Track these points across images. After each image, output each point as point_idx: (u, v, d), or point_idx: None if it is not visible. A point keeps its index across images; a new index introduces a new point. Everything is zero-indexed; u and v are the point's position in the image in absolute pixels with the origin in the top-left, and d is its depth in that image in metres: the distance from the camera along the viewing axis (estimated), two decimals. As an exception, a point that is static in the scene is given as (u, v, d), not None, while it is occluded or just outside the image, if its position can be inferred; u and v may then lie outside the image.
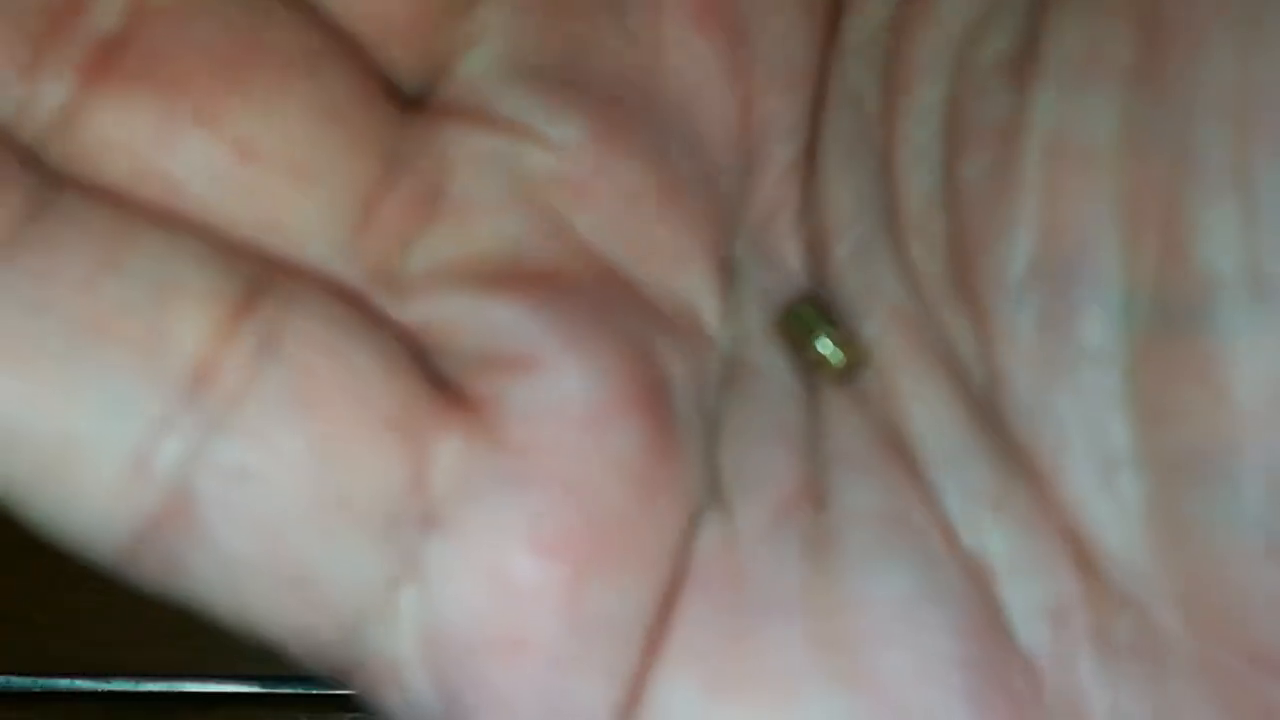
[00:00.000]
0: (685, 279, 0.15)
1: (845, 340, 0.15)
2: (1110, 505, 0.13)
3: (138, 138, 0.13)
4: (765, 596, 0.14)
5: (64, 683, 0.29)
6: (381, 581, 0.13)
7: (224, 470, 0.12)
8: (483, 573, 0.13)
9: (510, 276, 0.14)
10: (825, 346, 0.15)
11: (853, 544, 0.14)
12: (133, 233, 0.12)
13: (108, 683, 0.29)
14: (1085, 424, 0.13)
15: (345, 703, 0.30)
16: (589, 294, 0.14)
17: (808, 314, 0.15)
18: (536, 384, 0.13)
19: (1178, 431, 0.12)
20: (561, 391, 0.13)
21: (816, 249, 0.15)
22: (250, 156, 0.13)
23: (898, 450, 0.14)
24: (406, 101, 0.15)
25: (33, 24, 0.13)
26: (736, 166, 0.16)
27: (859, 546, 0.14)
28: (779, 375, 0.15)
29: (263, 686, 0.30)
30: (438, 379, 0.13)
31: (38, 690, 0.29)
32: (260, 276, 0.13)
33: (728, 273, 0.15)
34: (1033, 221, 0.13)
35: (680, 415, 0.14)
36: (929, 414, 0.14)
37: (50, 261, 0.12)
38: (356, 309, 0.13)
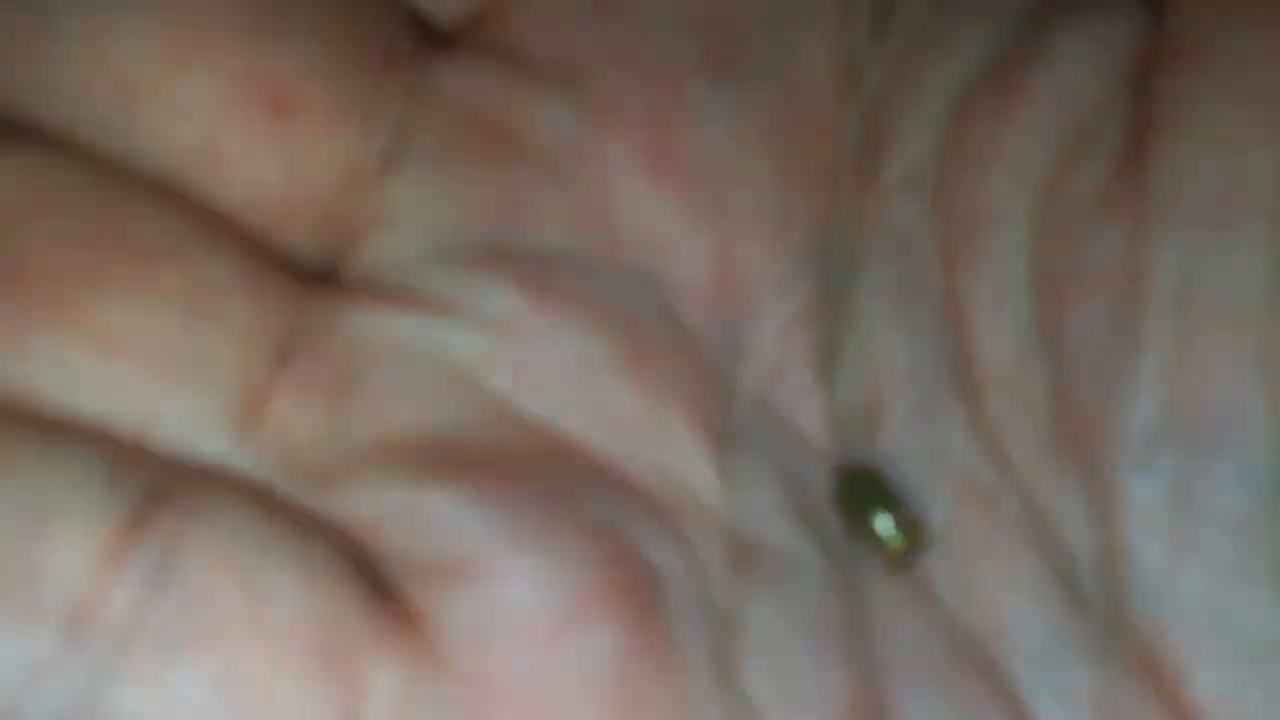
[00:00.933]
0: (666, 451, 0.14)
1: (908, 520, 0.13)
2: (1255, 701, 0.12)
3: None
4: None
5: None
6: None
7: None
8: None
9: (445, 463, 0.13)
10: (885, 527, 0.13)
11: None
12: (7, 451, 0.12)
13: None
14: (1223, 604, 0.12)
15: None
16: (543, 478, 0.13)
17: (863, 489, 0.14)
18: (484, 593, 0.12)
19: None
20: (514, 601, 0.12)
21: (865, 412, 0.14)
22: (111, 351, 0.12)
23: (971, 651, 0.13)
24: (311, 279, 0.14)
25: None
26: (721, 324, 0.14)
27: None
28: (810, 560, 0.14)
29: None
30: (373, 587, 0.12)
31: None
32: (156, 485, 0.12)
33: (724, 442, 0.14)
34: (1162, 378, 0.12)
35: (674, 611, 0.13)
36: (1013, 605, 0.13)
37: None
38: (269, 511, 0.12)
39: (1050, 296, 0.13)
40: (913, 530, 0.13)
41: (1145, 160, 0.13)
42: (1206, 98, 0.13)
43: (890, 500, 0.13)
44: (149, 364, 0.13)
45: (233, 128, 0.13)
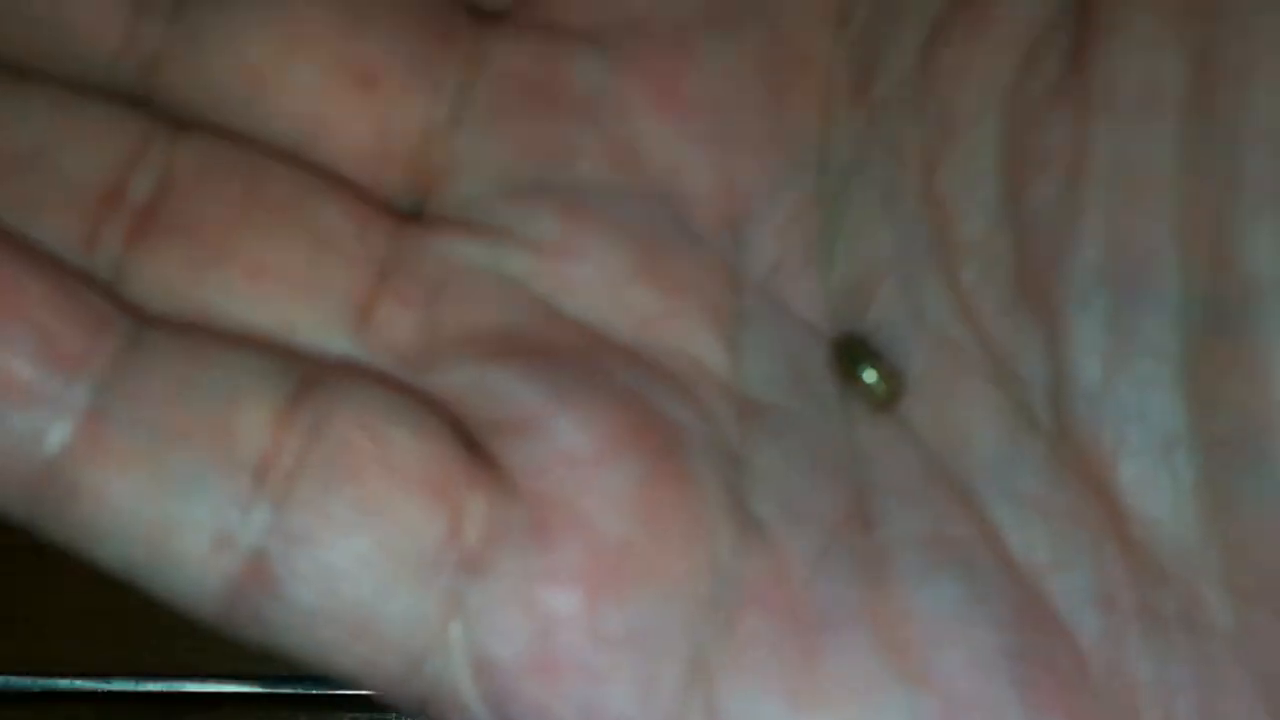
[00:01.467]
0: (683, 337, 0.16)
1: (888, 372, 0.16)
2: (1165, 483, 0.14)
3: (172, 277, 0.15)
4: (826, 614, 0.15)
5: (64, 683, 0.29)
6: (432, 621, 0.14)
7: (288, 536, 0.14)
8: (515, 607, 0.14)
9: (506, 351, 0.16)
10: (870, 377, 0.16)
11: (902, 562, 0.15)
12: (204, 355, 0.15)
13: (108, 683, 0.29)
14: (1145, 408, 0.14)
15: (345, 703, 0.30)
16: (579, 359, 0.16)
17: (853, 350, 0.16)
18: (537, 441, 0.15)
19: (1226, 417, 0.14)
20: (560, 444, 0.15)
21: (856, 293, 0.16)
22: (261, 278, 0.16)
23: (943, 472, 0.15)
24: (404, 216, 0.17)
25: (86, 206, 0.15)
26: (726, 228, 0.17)
27: (908, 564, 0.15)
28: (807, 413, 0.16)
29: (263, 686, 0.29)
30: (469, 440, 0.15)
31: (37, 690, 0.29)
32: (311, 374, 0.15)
33: (733, 325, 0.16)
34: (1099, 237, 0.15)
35: (690, 451, 0.15)
36: (976, 430, 0.15)
37: (142, 386, 0.14)
38: (387, 388, 0.15)
39: (1014, 178, 0.15)
40: (893, 379, 0.16)
41: (1085, 62, 0.15)
42: (1132, 9, 0.15)
43: (874, 356, 0.16)
44: (288, 286, 0.16)
45: (333, 100, 0.16)
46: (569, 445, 0.15)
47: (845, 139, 0.17)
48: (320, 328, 0.16)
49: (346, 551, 0.14)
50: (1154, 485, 0.14)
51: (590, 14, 0.17)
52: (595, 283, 0.16)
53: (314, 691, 0.29)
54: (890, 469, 0.16)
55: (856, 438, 0.16)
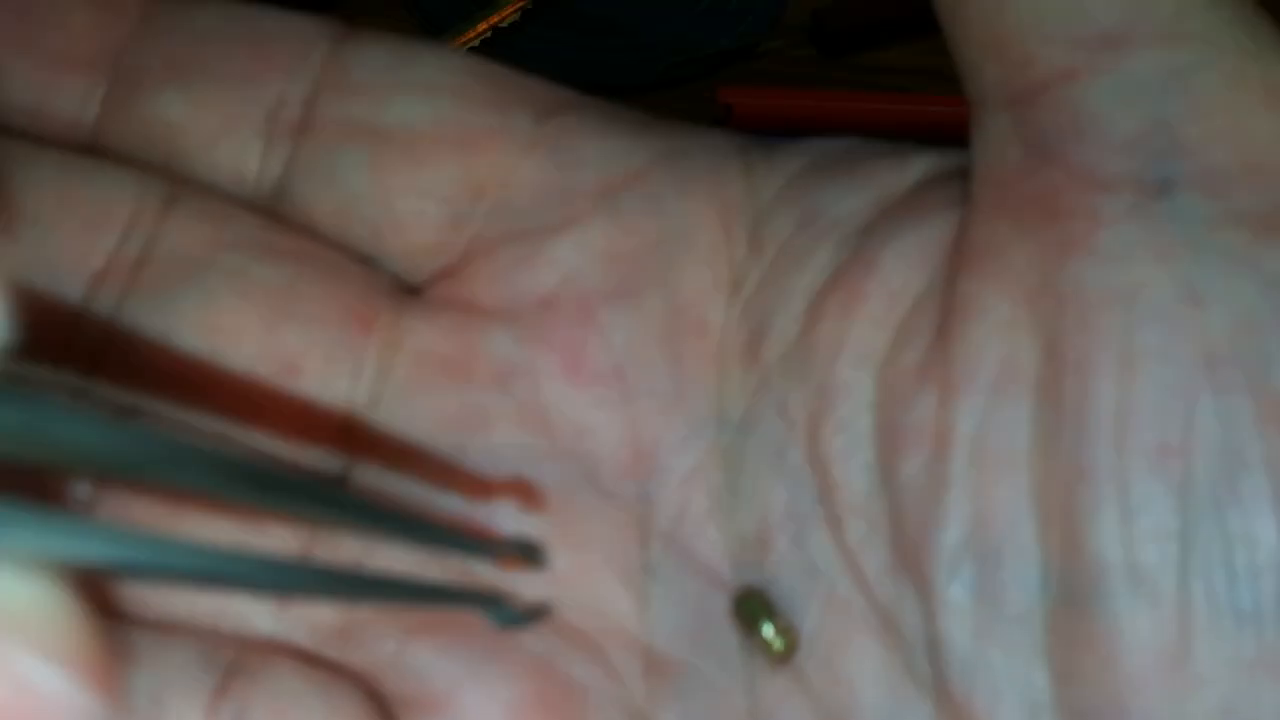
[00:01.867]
0: (592, 592, 0.17)
1: (784, 628, 0.17)
2: None
3: None
4: None
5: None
6: None
7: None
8: None
9: (422, 625, 0.17)
10: (768, 632, 0.17)
11: None
12: (132, 651, 0.16)
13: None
14: (1014, 676, 0.15)
15: None
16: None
17: (752, 605, 0.17)
18: (447, 717, 0.16)
19: (1082, 687, 0.15)
20: (470, 716, 0.16)
21: (755, 544, 0.17)
22: None
23: None
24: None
25: None
26: (635, 484, 0.18)
27: None
28: (711, 667, 0.17)
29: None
30: (384, 713, 0.16)
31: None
32: (235, 662, 0.16)
33: (641, 577, 0.17)
34: (964, 510, 0.15)
35: (595, 713, 0.16)
36: (866, 684, 0.16)
37: None
38: (308, 667, 0.16)
39: (886, 448, 0.16)
40: (788, 634, 0.17)
41: (949, 343, 0.16)
42: (992, 295, 0.16)
43: (771, 612, 0.17)
44: None
45: (266, 385, 0.18)
46: (476, 717, 0.16)
47: (739, 398, 0.18)
48: (246, 605, 0.17)
49: None
50: None
51: (501, 292, 0.18)
52: None
53: None
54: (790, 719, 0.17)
55: (757, 690, 0.17)
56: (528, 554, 0.15)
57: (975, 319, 0.16)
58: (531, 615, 0.15)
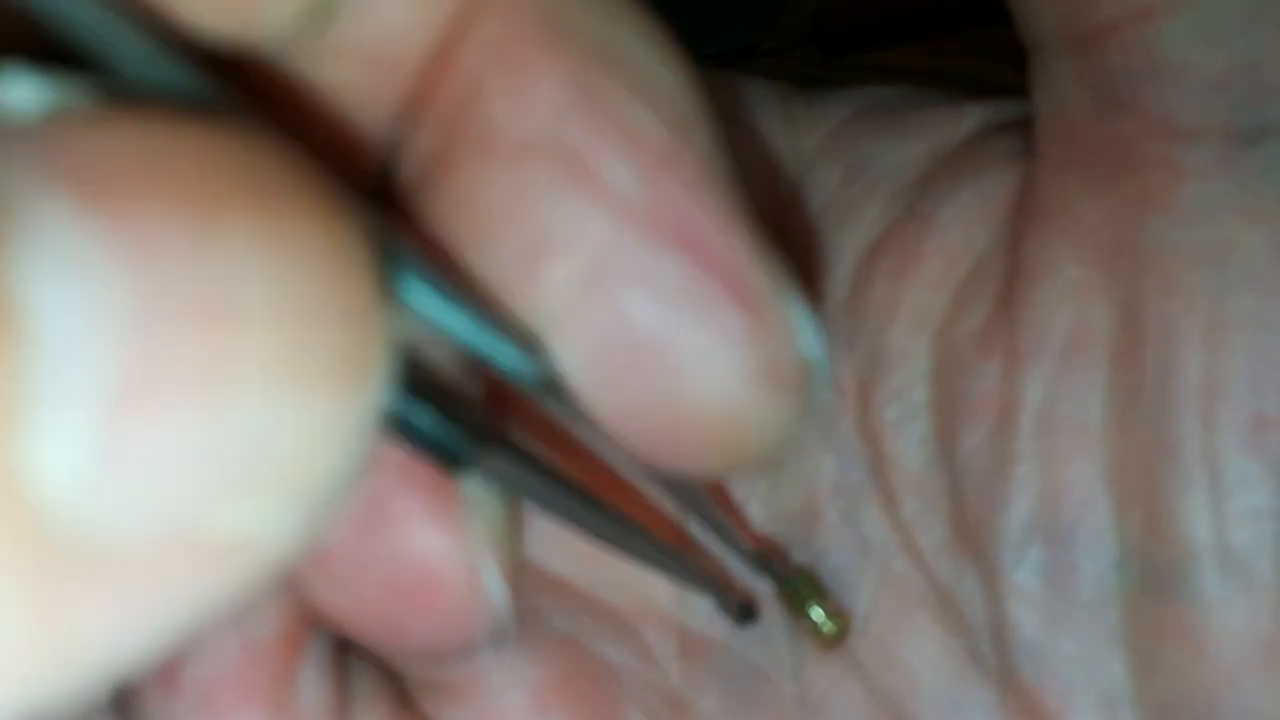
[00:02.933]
0: (625, 569, 0.16)
1: (834, 610, 0.16)
2: None
3: None
4: None
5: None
6: None
7: None
8: None
9: None
10: (818, 616, 0.16)
11: None
12: None
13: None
14: (1088, 665, 0.14)
15: None
16: (519, 603, 0.15)
17: (800, 585, 0.16)
18: (469, 703, 0.15)
19: (1166, 678, 0.14)
20: (491, 705, 0.15)
21: (802, 519, 0.16)
22: None
23: (894, 713, 0.15)
24: None
25: None
26: None
27: None
28: (757, 651, 0.16)
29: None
30: (403, 699, 0.15)
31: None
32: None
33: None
34: (1031, 487, 0.14)
35: (627, 697, 0.15)
36: (925, 669, 0.15)
37: None
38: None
39: (945, 420, 0.15)
40: (839, 618, 0.16)
41: (1014, 307, 0.15)
42: (1061, 255, 0.14)
43: (822, 593, 0.16)
44: None
45: None
46: (500, 705, 0.15)
47: None
48: None
49: None
50: None
51: None
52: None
53: None
54: (840, 711, 0.15)
55: (805, 675, 0.16)
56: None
57: (1043, 281, 0.14)
58: (745, 613, 0.14)
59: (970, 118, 0.16)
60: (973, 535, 0.15)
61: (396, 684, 0.15)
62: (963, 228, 0.15)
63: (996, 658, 0.15)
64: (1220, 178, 0.13)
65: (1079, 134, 0.14)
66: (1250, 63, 0.13)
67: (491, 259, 0.11)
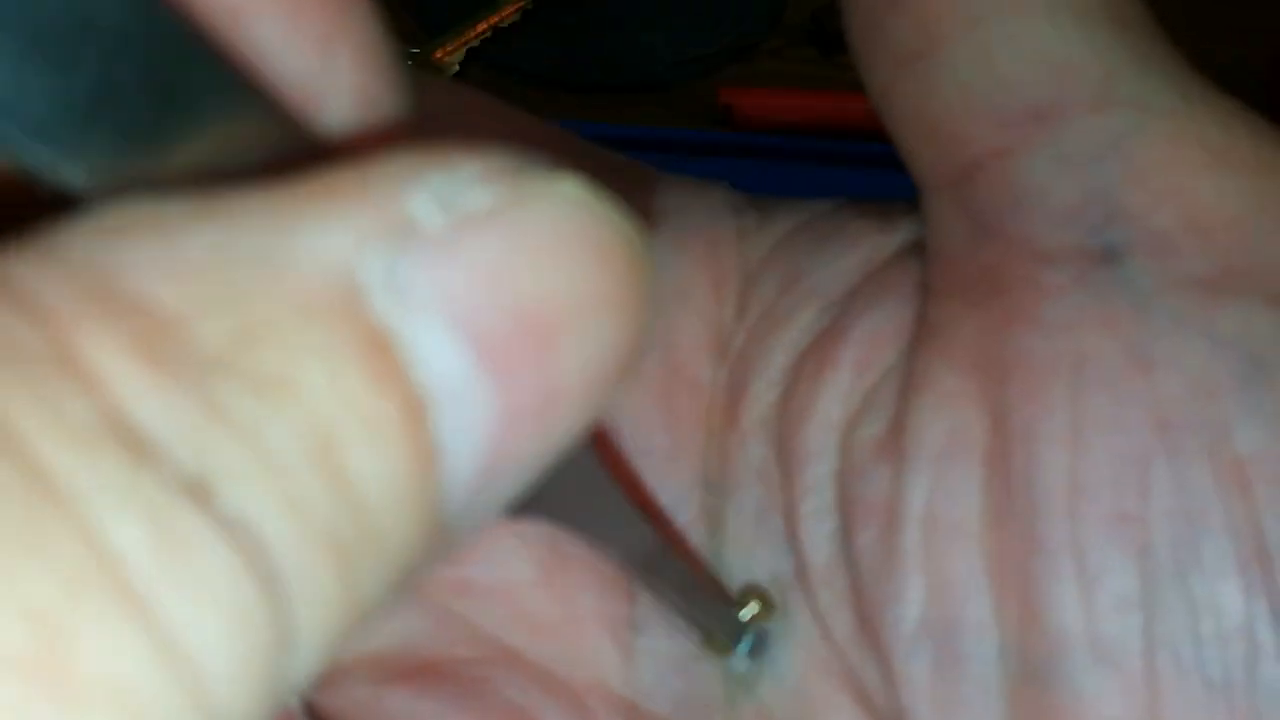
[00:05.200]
0: (578, 643, 0.17)
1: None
2: None
3: None
4: None
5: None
6: None
7: None
8: None
9: (401, 671, 0.17)
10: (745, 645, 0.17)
11: None
12: None
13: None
14: None
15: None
16: (470, 674, 0.17)
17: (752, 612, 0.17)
18: None
19: None
20: None
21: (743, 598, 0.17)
22: None
23: None
24: None
25: None
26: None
27: None
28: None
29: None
30: None
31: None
32: None
33: (628, 631, 0.17)
34: (919, 584, 0.15)
35: None
36: None
37: None
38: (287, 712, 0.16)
39: (846, 520, 0.16)
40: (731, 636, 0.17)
41: (904, 417, 0.16)
42: (941, 368, 0.15)
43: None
44: None
45: None
46: None
47: (723, 460, 0.18)
48: None
49: None
50: None
51: None
52: (496, 590, 0.17)
53: None
54: None
55: None
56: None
57: (924, 391, 0.16)
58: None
59: (899, 234, 0.17)
60: (871, 629, 0.16)
61: None
62: (873, 342, 0.17)
63: None
64: (1079, 293, 0.15)
65: (958, 260, 0.16)
66: (1101, 189, 0.14)
67: None
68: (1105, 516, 0.14)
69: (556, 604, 0.17)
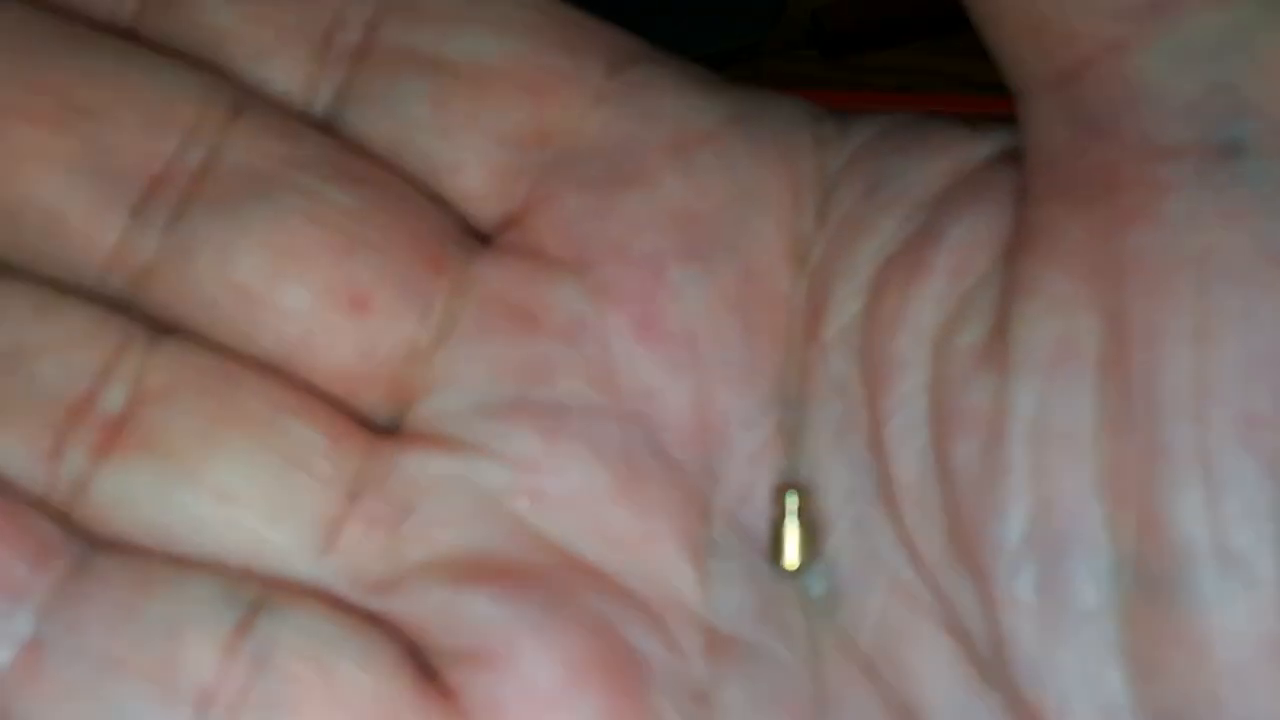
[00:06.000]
0: (654, 560, 0.16)
1: (805, 545, 0.16)
2: None
3: (137, 497, 0.16)
4: None
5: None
6: None
7: None
8: None
9: (474, 574, 0.16)
10: (791, 541, 0.16)
11: None
12: (152, 581, 0.15)
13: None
14: (1086, 677, 0.14)
15: None
16: (549, 583, 0.16)
17: (793, 504, 0.16)
18: (498, 674, 0.15)
19: (1167, 686, 0.14)
20: (521, 678, 0.15)
21: (816, 527, 0.17)
22: (229, 501, 0.16)
23: (906, 715, 0.16)
24: (380, 431, 0.17)
25: (55, 416, 0.15)
26: (699, 456, 0.17)
27: None
28: (775, 648, 0.16)
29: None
30: (419, 670, 0.15)
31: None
32: (259, 599, 0.15)
33: (703, 552, 0.17)
34: (1024, 498, 0.15)
35: (654, 686, 0.16)
36: (934, 678, 0.16)
37: (86, 615, 0.15)
38: (341, 614, 0.15)
39: (942, 432, 0.15)
40: (805, 555, 0.16)
41: (1006, 321, 0.15)
42: (1050, 273, 0.15)
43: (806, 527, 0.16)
44: (255, 510, 0.16)
45: (323, 322, 0.17)
46: (530, 679, 0.15)
47: (802, 375, 0.17)
48: (285, 551, 0.16)
49: None
50: None
51: (572, 239, 0.18)
52: (571, 501, 0.17)
53: None
54: (854, 712, 0.16)
55: (822, 675, 0.16)
56: None
57: (1031, 297, 0.15)
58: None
59: (987, 143, 0.17)
60: (969, 549, 0.15)
61: (419, 655, 0.15)
62: (969, 247, 0.16)
63: (999, 670, 0.15)
64: (1201, 189, 0.14)
65: (1062, 165, 0.15)
66: (1224, 83, 0.14)
67: None
68: (1236, 419, 0.13)
69: (632, 519, 0.16)
